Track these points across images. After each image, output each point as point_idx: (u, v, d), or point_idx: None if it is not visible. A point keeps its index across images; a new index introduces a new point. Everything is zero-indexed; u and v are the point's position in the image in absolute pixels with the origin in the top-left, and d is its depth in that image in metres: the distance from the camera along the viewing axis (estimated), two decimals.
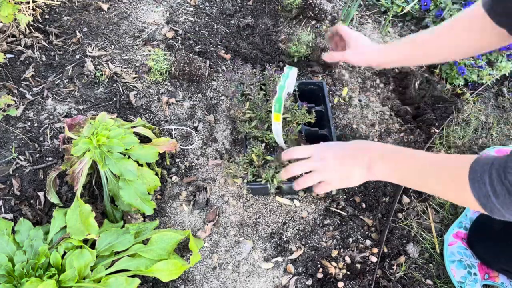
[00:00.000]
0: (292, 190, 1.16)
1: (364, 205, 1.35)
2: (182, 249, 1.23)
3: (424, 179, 0.78)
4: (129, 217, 1.22)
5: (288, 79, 1.00)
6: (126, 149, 1.16)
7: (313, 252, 1.26)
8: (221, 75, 1.60)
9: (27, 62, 1.53)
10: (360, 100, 1.56)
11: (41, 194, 1.27)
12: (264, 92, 1.25)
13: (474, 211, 1.31)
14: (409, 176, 0.80)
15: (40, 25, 1.61)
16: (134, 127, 1.27)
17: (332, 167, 0.87)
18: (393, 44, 1.08)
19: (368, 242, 1.28)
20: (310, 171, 0.90)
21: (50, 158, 1.35)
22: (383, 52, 1.08)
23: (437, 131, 1.49)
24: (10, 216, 1.23)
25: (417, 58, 1.08)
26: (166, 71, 1.55)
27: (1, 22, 1.52)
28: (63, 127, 1.35)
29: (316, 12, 1.69)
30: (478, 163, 0.67)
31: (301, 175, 0.92)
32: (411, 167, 0.80)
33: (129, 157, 1.17)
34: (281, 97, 0.97)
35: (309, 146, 0.92)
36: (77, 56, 1.57)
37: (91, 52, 1.57)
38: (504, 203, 0.62)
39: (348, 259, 1.24)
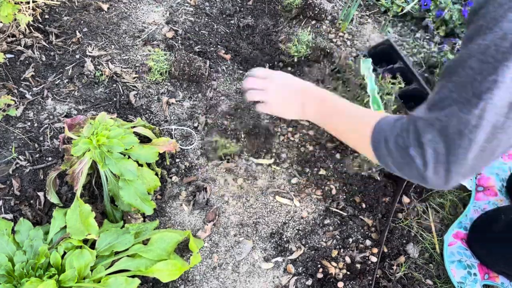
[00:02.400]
0: None
1: (364, 205, 1.35)
2: (182, 249, 1.23)
3: (336, 125, 0.90)
4: (129, 217, 1.22)
5: (372, 76, 1.11)
6: (126, 149, 1.16)
7: (313, 252, 1.26)
8: (221, 75, 1.60)
9: (27, 62, 1.53)
10: None
11: (41, 194, 1.27)
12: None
13: (475, 211, 1.31)
14: (327, 120, 0.91)
15: (40, 25, 1.61)
16: (134, 127, 1.27)
17: (276, 94, 0.99)
18: None
19: (368, 242, 1.28)
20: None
21: (50, 158, 1.35)
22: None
23: None
24: (10, 216, 1.23)
25: None
26: (166, 71, 1.55)
27: (1, 22, 1.52)
28: (63, 127, 1.35)
29: (316, 12, 1.69)
30: (380, 123, 0.73)
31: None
32: (330, 113, 0.90)
33: (129, 157, 1.17)
34: (377, 98, 1.09)
35: (266, 70, 1.06)
36: (77, 56, 1.57)
37: (91, 52, 1.57)
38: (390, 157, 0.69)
39: (348, 259, 1.24)
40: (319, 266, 1.23)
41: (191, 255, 1.16)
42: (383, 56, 1.42)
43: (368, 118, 0.77)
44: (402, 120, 0.69)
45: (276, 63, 1.65)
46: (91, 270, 1.04)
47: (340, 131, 0.89)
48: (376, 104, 1.12)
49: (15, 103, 1.43)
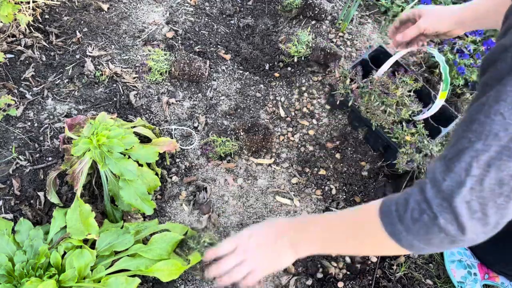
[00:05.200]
0: None
1: None
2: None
3: (344, 241, 0.77)
4: (129, 217, 1.22)
5: (442, 57, 1.19)
6: (126, 149, 1.16)
7: None
8: (221, 75, 1.60)
9: (27, 62, 1.53)
10: None
11: (41, 194, 1.27)
12: None
13: None
14: (327, 244, 0.79)
15: (40, 25, 1.61)
16: (134, 127, 1.27)
17: (257, 255, 0.83)
18: (468, 4, 1.04)
19: None
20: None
21: (50, 158, 1.35)
22: (457, 11, 1.04)
23: None
24: (10, 216, 1.23)
25: (491, 19, 1.01)
26: (166, 71, 1.55)
27: (1, 22, 1.52)
28: (63, 127, 1.35)
29: (316, 12, 1.69)
30: (383, 209, 0.66)
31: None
32: (326, 236, 0.78)
33: (129, 157, 1.17)
34: (448, 77, 1.16)
35: (230, 240, 0.86)
36: (77, 56, 1.57)
37: (91, 52, 1.57)
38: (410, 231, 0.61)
39: (348, 259, 1.24)
40: (319, 266, 1.23)
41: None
42: (379, 60, 1.43)
43: (367, 212, 0.69)
44: (411, 193, 0.62)
45: (276, 63, 1.65)
46: (91, 270, 1.04)
47: (349, 244, 0.77)
48: (446, 83, 1.19)
49: (15, 103, 1.43)
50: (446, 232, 0.57)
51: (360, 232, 0.73)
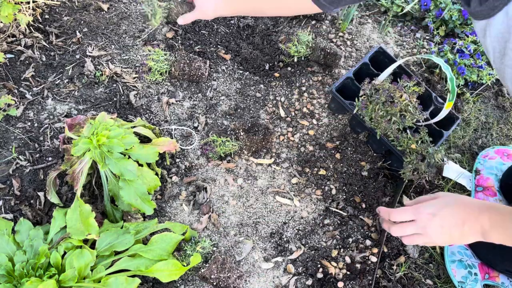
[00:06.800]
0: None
1: (364, 205, 1.35)
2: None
3: None
4: (129, 217, 1.22)
5: (449, 67, 1.22)
6: (126, 149, 1.16)
7: (313, 252, 1.26)
8: (221, 75, 1.60)
9: (27, 62, 1.53)
10: None
11: (41, 194, 1.27)
12: None
13: None
14: None
15: (40, 25, 1.61)
16: (134, 127, 1.27)
17: (442, 235, 0.88)
18: None
19: (368, 242, 1.28)
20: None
21: (50, 158, 1.35)
22: (229, 3, 1.18)
23: None
24: (10, 216, 1.23)
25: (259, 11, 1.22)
26: (166, 71, 1.55)
27: (1, 22, 1.52)
28: (63, 127, 1.35)
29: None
30: None
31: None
32: None
33: (129, 157, 1.17)
34: (455, 87, 1.19)
35: (413, 209, 0.94)
36: (77, 56, 1.57)
37: (91, 52, 1.57)
38: None
39: (348, 259, 1.24)
40: (319, 266, 1.23)
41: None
42: (378, 63, 1.43)
43: None
44: None
45: (276, 63, 1.65)
46: (91, 270, 1.04)
47: None
48: (452, 93, 1.22)
49: (15, 103, 1.43)
50: None
51: None
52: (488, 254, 1.21)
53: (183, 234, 1.18)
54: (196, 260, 1.11)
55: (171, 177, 1.36)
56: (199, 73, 1.52)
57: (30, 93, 1.47)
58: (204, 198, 1.31)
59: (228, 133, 1.45)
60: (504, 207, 0.87)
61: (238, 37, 1.72)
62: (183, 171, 1.38)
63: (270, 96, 1.56)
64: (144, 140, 1.33)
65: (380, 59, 1.48)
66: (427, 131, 1.29)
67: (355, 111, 1.33)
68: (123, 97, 1.50)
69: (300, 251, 1.25)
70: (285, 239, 1.27)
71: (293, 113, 1.52)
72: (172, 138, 1.42)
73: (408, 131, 1.30)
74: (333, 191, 1.37)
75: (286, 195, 1.35)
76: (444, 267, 1.24)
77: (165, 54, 1.58)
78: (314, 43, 1.58)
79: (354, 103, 1.33)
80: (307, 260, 1.24)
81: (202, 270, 1.12)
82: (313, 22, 1.74)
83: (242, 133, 1.38)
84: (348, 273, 1.22)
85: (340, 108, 1.43)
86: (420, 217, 0.92)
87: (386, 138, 1.30)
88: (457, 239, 0.88)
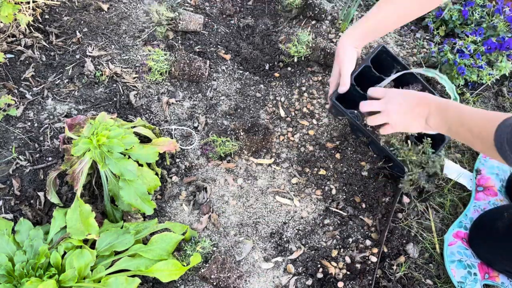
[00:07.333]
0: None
1: (364, 205, 1.35)
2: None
3: (462, 132, 0.92)
4: (129, 217, 1.22)
5: (444, 77, 1.23)
6: (126, 149, 1.16)
7: (313, 252, 1.26)
8: (221, 75, 1.60)
9: (27, 62, 1.53)
10: None
11: (41, 194, 1.27)
12: None
13: (475, 211, 1.31)
14: (453, 129, 0.94)
15: (40, 25, 1.61)
16: (134, 127, 1.27)
17: (397, 113, 1.03)
18: (372, 19, 1.17)
19: (368, 242, 1.28)
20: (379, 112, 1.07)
21: (50, 158, 1.35)
22: (366, 35, 1.20)
23: None
24: (10, 216, 1.24)
25: (395, 22, 1.22)
26: (166, 71, 1.55)
27: (1, 22, 1.52)
28: (63, 127, 1.35)
29: (316, 12, 1.69)
30: (505, 123, 0.79)
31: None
32: (454, 119, 0.93)
33: (129, 157, 1.17)
34: (457, 96, 1.21)
35: (382, 89, 1.10)
36: (77, 56, 1.57)
37: (91, 52, 1.58)
38: None
39: (348, 259, 1.24)
40: (319, 266, 1.23)
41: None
42: (381, 64, 1.41)
43: (492, 122, 0.82)
44: None
45: (276, 63, 1.65)
46: (91, 270, 1.04)
47: (465, 137, 0.92)
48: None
49: (15, 103, 1.43)
50: None
51: (478, 130, 0.86)
52: (487, 253, 1.21)
53: (183, 234, 1.18)
54: (196, 260, 1.11)
55: (171, 177, 1.36)
56: (199, 73, 1.52)
57: (30, 93, 1.47)
58: (204, 198, 1.32)
59: (228, 133, 1.45)
60: (446, 101, 0.98)
61: (238, 37, 1.72)
62: (183, 171, 1.38)
63: (270, 96, 1.56)
64: (144, 140, 1.33)
65: (383, 58, 1.47)
66: (430, 142, 1.27)
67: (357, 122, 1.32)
68: (123, 97, 1.50)
69: (300, 251, 1.25)
70: (285, 239, 1.27)
71: (293, 113, 1.52)
72: (172, 138, 1.42)
73: (410, 137, 1.29)
74: (333, 191, 1.37)
75: (286, 195, 1.35)
76: (444, 267, 1.24)
77: (165, 54, 1.58)
78: (314, 43, 1.58)
79: (355, 112, 1.31)
80: (307, 260, 1.24)
81: (202, 270, 1.12)
82: (313, 22, 1.74)
83: (242, 133, 1.38)
84: (348, 273, 1.22)
85: (340, 112, 1.42)
86: (386, 95, 1.07)
87: (387, 147, 1.29)
88: (409, 120, 1.02)
